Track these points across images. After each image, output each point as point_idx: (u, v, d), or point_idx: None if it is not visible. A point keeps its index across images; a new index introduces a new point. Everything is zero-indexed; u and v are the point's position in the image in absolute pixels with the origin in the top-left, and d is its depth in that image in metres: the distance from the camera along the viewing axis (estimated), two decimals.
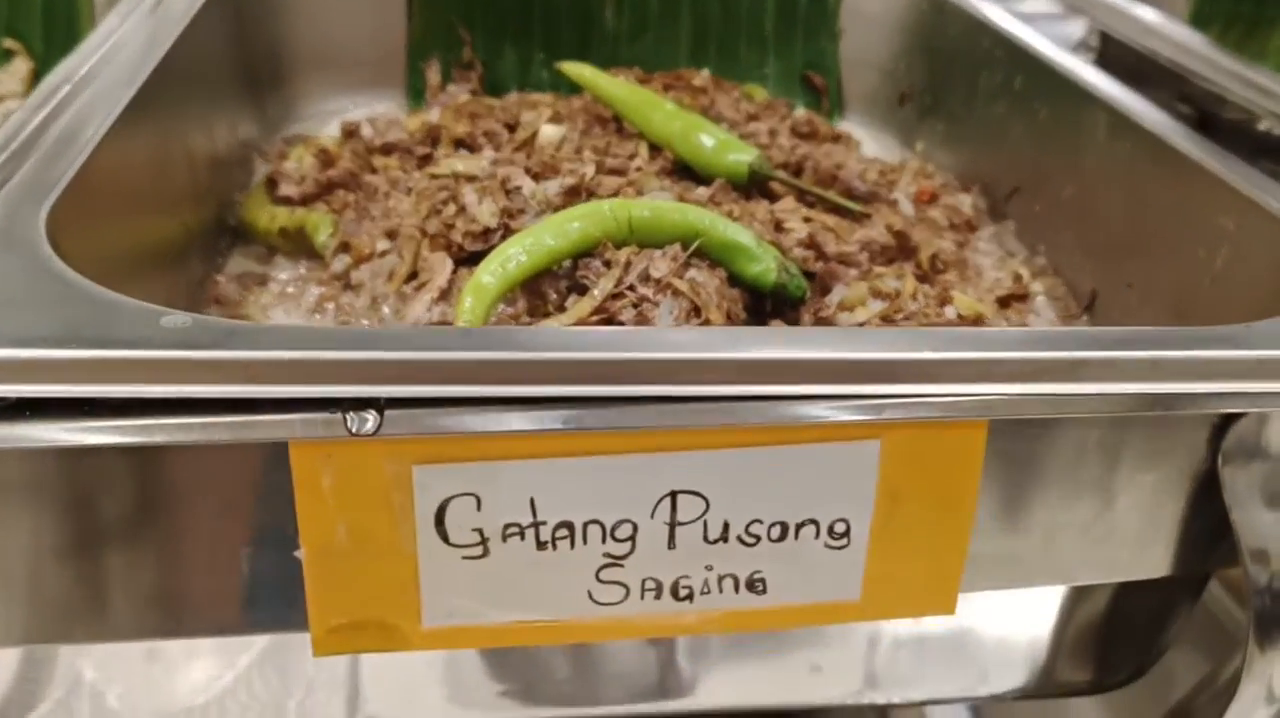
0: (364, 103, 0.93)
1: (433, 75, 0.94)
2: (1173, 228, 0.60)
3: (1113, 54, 0.92)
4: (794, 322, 0.60)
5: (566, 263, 0.60)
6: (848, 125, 0.98)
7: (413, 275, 0.64)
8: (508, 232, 0.65)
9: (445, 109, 0.83)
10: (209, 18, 0.74)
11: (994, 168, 0.80)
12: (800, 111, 0.87)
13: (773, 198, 0.73)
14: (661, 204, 0.62)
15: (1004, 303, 0.65)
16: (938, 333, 0.43)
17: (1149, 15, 0.85)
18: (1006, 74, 0.79)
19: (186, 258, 0.65)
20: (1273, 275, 0.53)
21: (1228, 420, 0.42)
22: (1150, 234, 0.62)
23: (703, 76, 0.90)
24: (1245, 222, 0.55)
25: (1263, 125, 0.74)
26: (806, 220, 0.65)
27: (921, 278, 0.65)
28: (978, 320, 0.62)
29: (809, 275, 0.61)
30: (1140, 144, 0.62)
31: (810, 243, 0.62)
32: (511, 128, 0.79)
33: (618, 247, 0.61)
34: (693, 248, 0.60)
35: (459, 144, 0.79)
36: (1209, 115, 0.81)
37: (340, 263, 0.65)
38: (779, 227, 0.64)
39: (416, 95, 0.94)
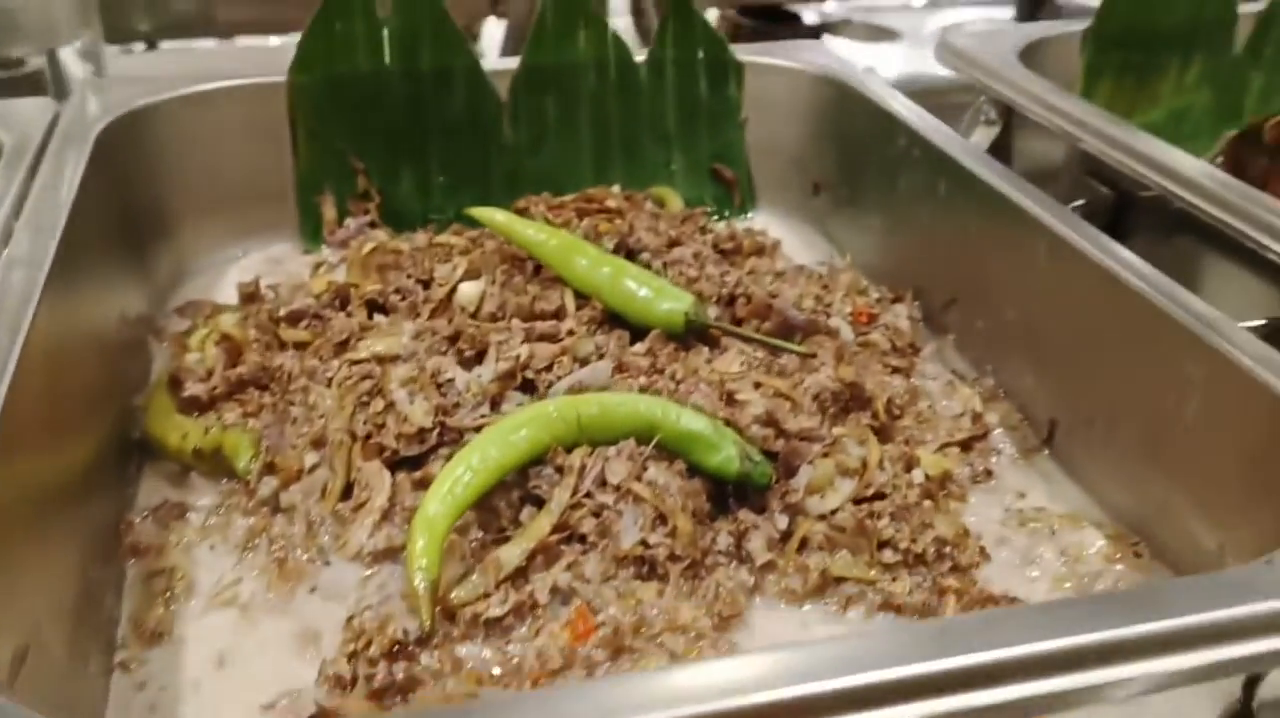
0: (257, 247, 0.87)
1: (328, 210, 0.88)
2: (1135, 369, 0.59)
3: (1017, 128, 0.92)
4: (761, 508, 0.57)
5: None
6: (762, 217, 0.95)
7: (348, 489, 0.60)
8: (444, 430, 0.61)
9: (351, 263, 0.78)
10: (91, 188, 0.68)
11: (927, 274, 0.78)
12: (721, 225, 0.84)
13: (710, 341, 0.70)
14: (610, 399, 0.59)
15: (965, 447, 0.64)
16: (961, 626, 0.40)
17: (1052, 93, 0.84)
18: (928, 178, 0.77)
19: (90, 493, 0.59)
20: (1250, 427, 0.52)
21: (1258, 677, 0.41)
22: (1110, 371, 0.61)
23: (615, 196, 0.86)
24: (1215, 373, 0.54)
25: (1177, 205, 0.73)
26: (758, 387, 0.62)
27: (880, 430, 0.63)
28: (945, 479, 0.60)
29: (771, 455, 0.59)
30: (1088, 277, 0.61)
31: (769, 419, 0.59)
32: (425, 283, 0.74)
33: (568, 449, 0.57)
34: (648, 446, 0.57)
35: (370, 305, 0.74)
36: (1125, 194, 0.81)
37: (267, 487, 0.60)
38: (730, 399, 0.61)
39: (313, 233, 0.88)
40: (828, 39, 2.10)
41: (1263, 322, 0.64)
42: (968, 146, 0.76)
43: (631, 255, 0.79)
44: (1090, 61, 1.01)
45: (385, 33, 0.85)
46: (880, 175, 0.84)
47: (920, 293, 0.78)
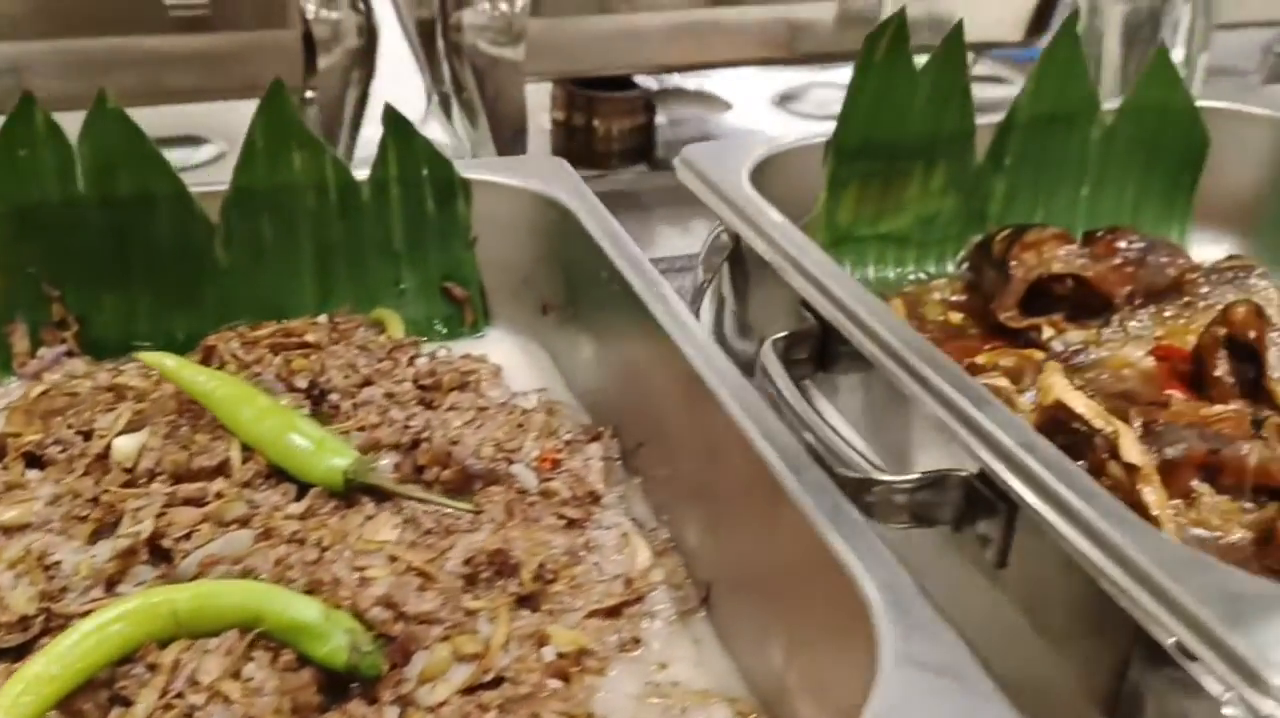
0: None
1: (19, 341, 0.84)
2: (771, 535, 0.58)
3: (744, 255, 0.92)
4: (374, 698, 0.55)
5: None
6: (496, 335, 0.94)
7: None
8: (50, 618, 0.57)
9: (14, 409, 0.73)
10: None
11: (628, 410, 0.77)
12: (423, 360, 0.82)
13: (385, 495, 0.67)
14: (213, 589, 0.56)
15: (615, 612, 0.62)
16: None
17: (769, 218, 0.84)
18: (625, 316, 0.76)
19: None
20: None
21: None
22: (754, 535, 0.60)
23: (319, 327, 0.83)
24: (815, 555, 0.53)
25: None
26: (393, 561, 0.59)
27: (528, 598, 0.61)
28: (581, 655, 0.58)
29: (391, 639, 0.56)
30: (763, 485, 0.59)
31: (389, 601, 0.57)
32: (87, 434, 0.70)
33: (164, 644, 0.54)
34: (250, 638, 0.54)
35: (29, 457, 0.70)
36: (828, 326, 0.81)
37: None
38: (358, 580, 0.58)
39: (3, 365, 0.84)
40: (659, 110, 2.11)
41: (916, 476, 0.63)
42: (656, 289, 0.75)
43: (323, 395, 0.76)
44: (833, 172, 1.02)
45: (77, 160, 0.82)
46: (594, 303, 0.83)
47: (619, 430, 0.77)
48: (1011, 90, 1.09)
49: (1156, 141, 1.09)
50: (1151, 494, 0.65)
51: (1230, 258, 1.00)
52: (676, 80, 2.30)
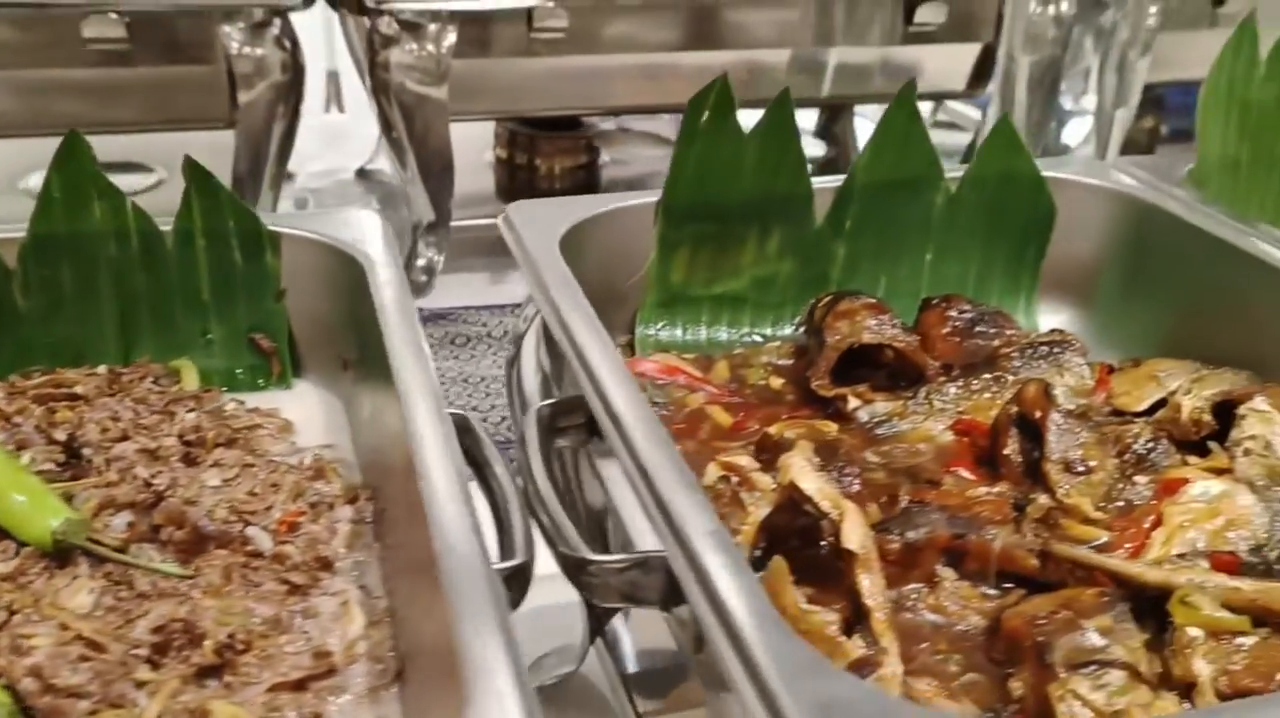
0: None
1: None
2: None
3: None
4: None
5: None
6: (301, 388, 0.93)
7: None
8: None
9: None
10: None
11: (385, 474, 0.76)
12: (191, 415, 0.81)
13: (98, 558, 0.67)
14: None
15: (299, 686, 0.61)
16: None
17: (566, 293, 0.84)
18: (385, 384, 0.76)
19: None
20: None
21: None
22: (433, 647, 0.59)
23: (95, 378, 0.83)
24: None
25: None
26: (63, 629, 0.59)
27: (213, 669, 0.60)
28: None
29: (36, 711, 0.56)
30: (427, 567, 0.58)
31: (39, 672, 0.56)
32: None
33: None
34: None
35: None
36: None
37: None
38: (17, 648, 0.58)
39: None
40: (602, 152, 2.12)
41: (623, 557, 0.63)
42: (413, 348, 0.74)
43: (79, 449, 0.76)
44: (663, 234, 1.02)
45: None
46: (375, 361, 0.83)
47: (376, 493, 0.76)
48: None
49: (1001, 210, 1.08)
50: (865, 581, 0.64)
51: (1052, 332, 0.99)
52: (626, 120, 2.31)
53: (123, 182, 0.90)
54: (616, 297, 1.03)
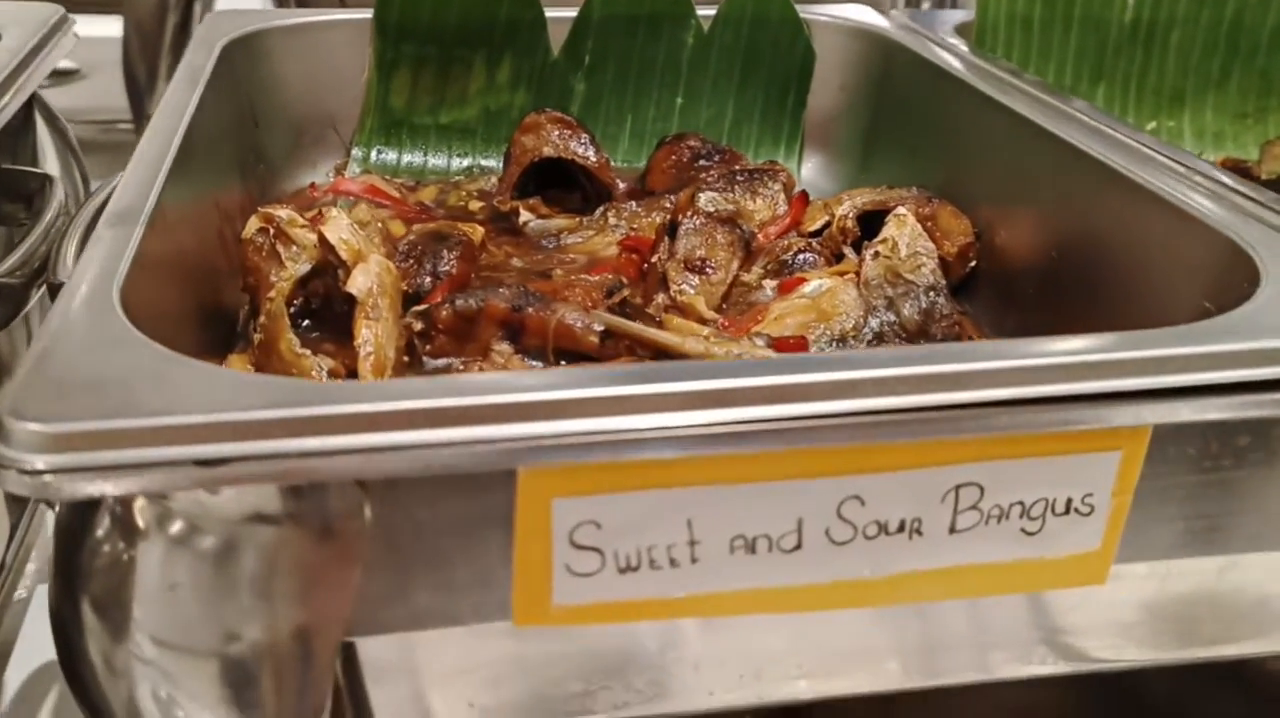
0: None
1: None
2: None
3: None
4: None
5: None
6: None
7: None
8: None
9: None
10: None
11: None
12: None
13: None
14: None
15: None
16: None
17: None
18: None
19: None
20: None
21: None
22: None
23: None
24: None
25: None
26: None
27: None
28: None
29: None
30: None
31: None
32: None
33: None
34: None
35: None
36: None
37: None
38: None
39: None
40: None
41: None
42: None
43: None
44: (379, 53, 0.98)
45: None
46: None
47: None
48: None
49: (756, 52, 1.03)
50: (362, 328, 0.61)
51: (768, 162, 0.94)
52: None
53: None
54: (333, 117, 0.99)
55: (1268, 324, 0.48)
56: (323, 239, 0.63)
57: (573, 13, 1.00)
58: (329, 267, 0.65)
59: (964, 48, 0.96)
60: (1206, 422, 0.46)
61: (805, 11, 1.03)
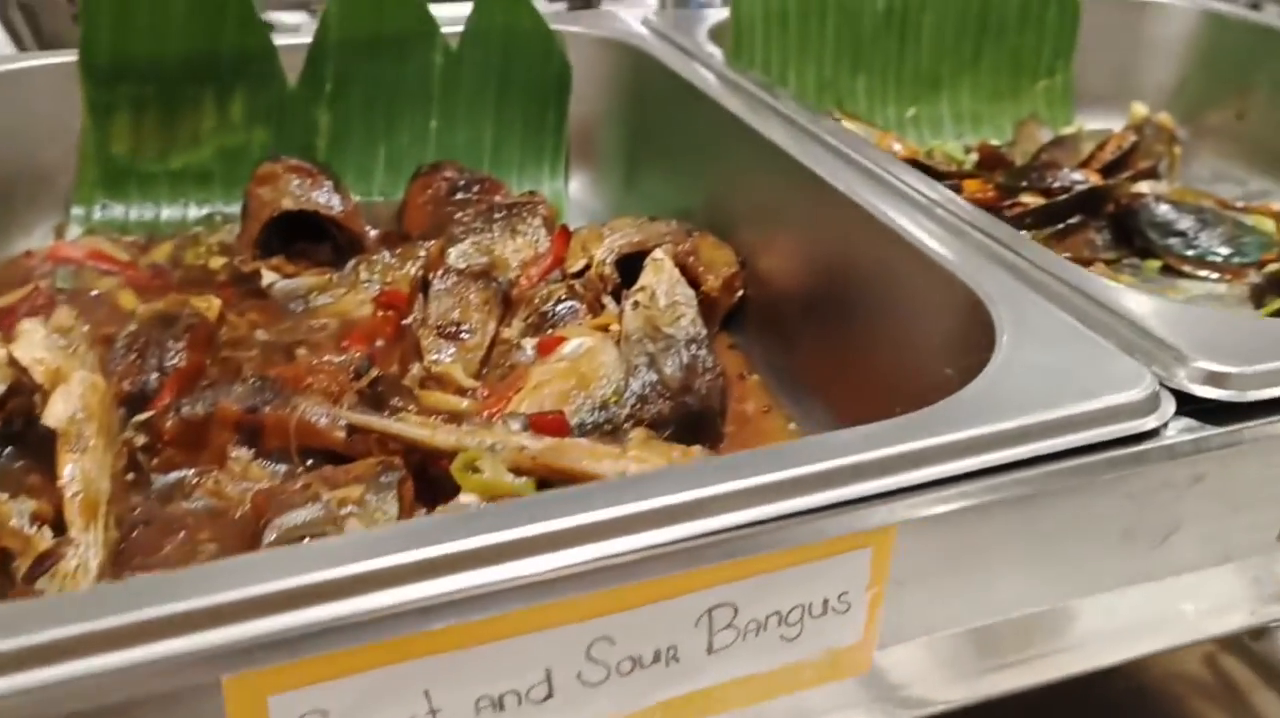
0: None
1: None
2: None
3: None
4: None
5: None
6: None
7: None
8: None
9: None
10: None
11: None
12: None
13: None
14: None
15: None
16: None
17: None
18: None
19: None
20: None
21: None
22: None
23: None
24: None
25: None
26: None
27: None
28: None
29: None
30: None
31: None
32: None
33: None
34: None
35: None
36: None
37: None
38: None
39: None
40: None
41: None
42: None
43: None
44: (91, 97, 0.89)
45: None
46: None
47: None
48: None
49: (509, 69, 0.99)
50: (65, 461, 0.54)
51: (527, 194, 0.90)
52: None
53: None
54: (47, 172, 0.90)
55: (1002, 398, 0.48)
56: (13, 361, 0.56)
57: (305, 39, 0.94)
58: (25, 387, 0.58)
59: (719, 57, 0.94)
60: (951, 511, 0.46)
61: (558, 23, 0.99)
